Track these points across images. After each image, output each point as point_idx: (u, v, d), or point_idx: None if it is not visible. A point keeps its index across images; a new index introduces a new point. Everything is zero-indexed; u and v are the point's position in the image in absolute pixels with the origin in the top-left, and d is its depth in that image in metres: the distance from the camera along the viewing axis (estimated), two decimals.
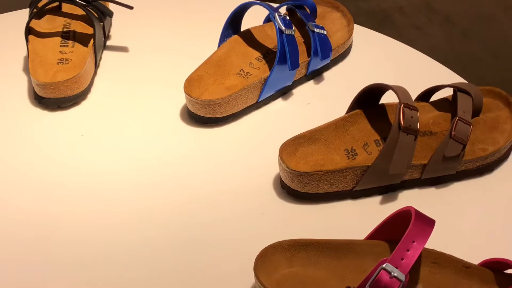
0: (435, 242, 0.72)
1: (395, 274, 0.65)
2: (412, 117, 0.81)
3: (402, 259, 0.65)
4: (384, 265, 0.65)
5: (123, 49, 1.09)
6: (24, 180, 0.88)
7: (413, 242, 0.66)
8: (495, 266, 0.72)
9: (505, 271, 0.72)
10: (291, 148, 0.86)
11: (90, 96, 1.01)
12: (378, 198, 0.86)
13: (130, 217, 0.84)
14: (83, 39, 1.02)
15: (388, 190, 0.86)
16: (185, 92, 0.94)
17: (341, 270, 0.74)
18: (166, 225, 0.84)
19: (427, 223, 0.68)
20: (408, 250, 0.66)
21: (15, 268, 0.78)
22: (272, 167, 0.88)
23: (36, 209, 0.85)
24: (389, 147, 0.81)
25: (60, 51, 1.02)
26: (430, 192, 0.86)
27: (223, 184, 0.89)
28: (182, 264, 0.79)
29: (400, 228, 0.70)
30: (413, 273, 0.72)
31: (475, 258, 0.73)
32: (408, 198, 0.84)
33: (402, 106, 0.82)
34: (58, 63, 0.99)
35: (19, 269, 0.78)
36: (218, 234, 0.83)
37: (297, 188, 0.85)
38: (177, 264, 0.79)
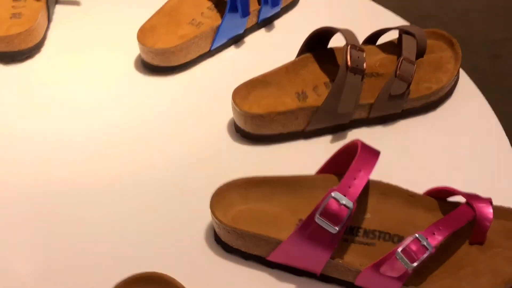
0: (382, 174, 0.76)
1: (343, 202, 0.68)
2: (358, 57, 0.84)
3: (350, 187, 0.69)
4: (332, 194, 0.68)
5: (76, 2, 1.09)
6: None
7: (360, 171, 0.69)
8: (438, 194, 0.76)
9: (448, 199, 0.76)
10: (243, 92, 0.88)
11: (44, 49, 1.02)
12: (328, 137, 0.89)
13: (87, 165, 0.86)
14: None
15: (338, 129, 0.89)
16: (139, 42, 0.95)
17: (294, 204, 0.77)
18: (122, 172, 0.86)
19: (373, 154, 0.71)
20: (355, 179, 0.69)
21: None
22: (226, 112, 0.90)
23: None
24: (337, 87, 0.84)
25: (13, 6, 1.02)
26: (377, 130, 0.90)
27: (179, 130, 0.91)
28: (140, 207, 0.82)
29: (348, 162, 0.73)
30: (362, 203, 0.76)
31: (420, 189, 0.77)
32: (357, 136, 0.87)
33: (349, 47, 0.85)
34: (11, 17, 1.00)
35: None
36: (175, 177, 0.85)
37: (250, 131, 0.88)
38: (136, 208, 0.81)
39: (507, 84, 1.94)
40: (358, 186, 0.69)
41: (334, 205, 0.68)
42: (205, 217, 0.78)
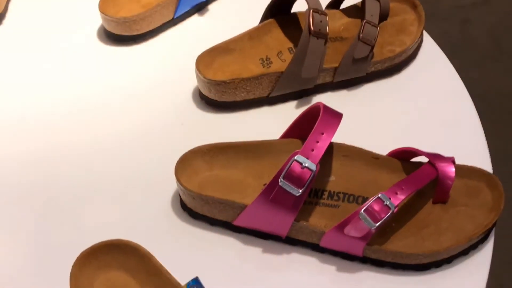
0: (347, 138, 0.76)
1: (306, 165, 0.68)
2: (321, 21, 0.84)
3: (313, 150, 0.69)
4: (295, 157, 0.68)
5: None
6: None
7: (322, 134, 0.69)
8: (402, 155, 0.77)
9: (411, 160, 0.77)
10: (207, 59, 0.88)
11: (5, 22, 1.00)
12: (293, 103, 0.89)
13: (52, 136, 0.86)
14: None
15: (302, 95, 0.89)
16: (100, 11, 0.94)
17: (259, 169, 0.77)
18: (87, 141, 0.85)
19: (335, 116, 0.71)
20: (317, 142, 0.69)
21: None
22: (190, 80, 0.90)
23: None
24: (300, 51, 0.84)
25: None
26: (342, 94, 0.90)
27: (144, 99, 0.90)
28: (105, 175, 0.81)
29: (311, 125, 0.73)
30: (326, 166, 0.76)
31: (384, 151, 0.77)
32: (322, 101, 0.87)
33: (311, 11, 0.84)
34: None
35: None
36: (140, 145, 0.85)
37: (215, 98, 0.87)
38: (101, 176, 0.81)
39: (476, 48, 1.95)
40: (320, 148, 0.69)
41: (297, 168, 0.68)
42: (171, 185, 0.78)
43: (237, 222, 0.74)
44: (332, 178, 0.76)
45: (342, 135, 0.74)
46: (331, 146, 0.76)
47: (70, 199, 0.79)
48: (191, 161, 0.77)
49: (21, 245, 0.75)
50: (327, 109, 0.72)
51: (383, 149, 0.77)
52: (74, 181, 0.81)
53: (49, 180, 0.81)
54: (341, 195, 0.75)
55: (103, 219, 0.77)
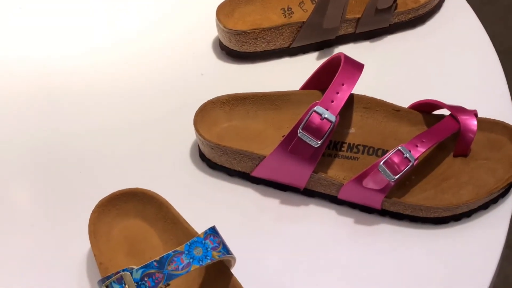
0: (368, 90, 0.75)
1: (326, 116, 0.67)
2: None
3: (332, 101, 0.68)
4: (315, 108, 0.68)
5: None
6: None
7: (342, 84, 0.69)
8: (423, 108, 0.76)
9: (433, 112, 0.76)
10: (228, 8, 0.87)
11: None
12: (314, 54, 0.88)
13: (78, 82, 0.85)
14: None
15: (324, 46, 0.88)
16: None
17: (278, 120, 0.77)
18: (108, 90, 0.85)
19: (356, 67, 0.70)
20: (337, 93, 0.68)
21: None
22: (211, 30, 0.89)
23: None
24: (322, 1, 0.82)
25: None
26: (364, 46, 0.88)
27: (164, 49, 0.90)
28: (125, 125, 0.81)
29: (332, 76, 0.72)
30: (345, 118, 0.75)
31: (405, 104, 0.76)
32: (343, 52, 0.86)
33: None
34: None
35: None
36: (160, 95, 0.84)
37: (235, 48, 0.86)
38: (121, 126, 0.81)
39: (503, 2, 1.91)
40: (340, 99, 0.68)
41: (316, 119, 0.68)
42: (190, 135, 0.78)
43: (255, 173, 0.74)
44: (352, 130, 0.75)
45: (363, 87, 0.73)
46: (352, 97, 0.75)
47: (89, 149, 0.79)
48: (210, 112, 0.77)
49: (42, 193, 0.75)
50: (348, 60, 0.71)
51: (404, 102, 0.76)
52: (93, 131, 0.81)
53: (69, 130, 0.81)
54: (360, 148, 0.74)
55: (122, 169, 0.77)
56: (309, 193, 0.74)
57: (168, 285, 0.65)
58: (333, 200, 0.73)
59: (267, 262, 0.68)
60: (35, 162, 0.78)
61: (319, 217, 0.72)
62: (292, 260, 0.69)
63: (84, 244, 0.69)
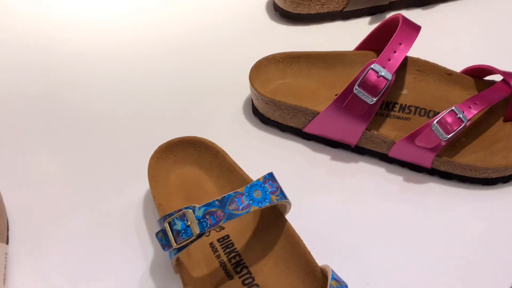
0: (420, 52, 0.76)
1: (382, 74, 0.69)
2: None
3: (389, 60, 0.69)
4: (372, 65, 0.69)
5: None
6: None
7: (400, 44, 0.70)
8: (476, 73, 0.77)
9: (485, 78, 0.77)
10: None
11: None
12: (367, 19, 0.89)
13: (129, 46, 0.88)
14: None
15: (376, 11, 0.89)
16: None
17: (331, 79, 0.79)
18: (167, 49, 0.87)
19: (414, 28, 0.72)
20: (395, 52, 0.70)
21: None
22: None
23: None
24: None
25: None
26: (416, 13, 0.90)
27: (218, 10, 0.91)
28: (183, 77, 0.83)
29: (387, 38, 0.74)
30: (399, 79, 0.77)
31: (457, 69, 0.77)
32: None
33: None
34: None
35: None
36: (214, 52, 0.86)
37: (289, 9, 0.88)
38: (179, 81, 0.83)
39: None
40: (397, 58, 0.70)
41: (372, 77, 0.69)
42: (243, 91, 0.80)
43: (307, 129, 0.76)
44: (404, 91, 0.77)
45: (417, 50, 0.74)
46: (405, 59, 0.76)
47: (150, 99, 0.82)
48: (264, 69, 0.78)
49: (105, 140, 0.78)
50: (406, 20, 0.72)
51: (457, 66, 0.77)
52: (154, 84, 0.83)
53: (135, 79, 0.84)
54: (412, 108, 0.76)
55: (180, 118, 0.79)
56: (360, 150, 0.75)
57: (223, 228, 0.67)
58: (383, 158, 0.75)
59: (317, 214, 0.70)
60: (102, 113, 0.80)
61: (368, 174, 0.74)
62: (341, 214, 0.70)
63: (141, 189, 0.71)
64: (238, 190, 0.59)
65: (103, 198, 0.72)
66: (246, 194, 0.59)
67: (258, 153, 0.76)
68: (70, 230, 0.69)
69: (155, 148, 0.71)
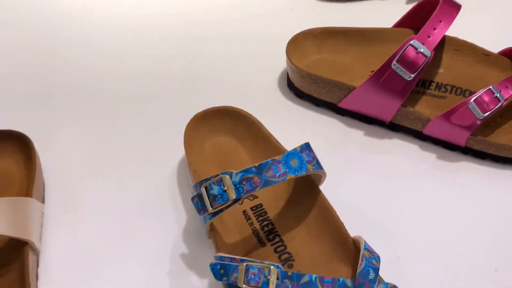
0: (459, 32, 0.76)
1: (421, 50, 0.69)
2: None
3: (429, 36, 0.70)
4: (411, 42, 0.69)
5: None
6: None
7: (440, 22, 0.70)
8: None
9: None
10: None
11: None
12: None
13: (171, 15, 0.88)
14: None
15: None
16: None
17: (368, 56, 0.79)
18: (210, 19, 0.88)
19: (454, 7, 0.72)
20: (434, 29, 0.70)
21: None
22: None
23: None
24: None
25: None
26: None
27: None
28: (220, 50, 0.84)
29: (425, 17, 0.74)
30: (436, 58, 0.77)
31: (494, 49, 0.77)
32: None
33: None
34: None
35: None
36: (254, 29, 0.87)
37: None
38: (217, 54, 0.84)
39: None
40: (437, 36, 0.70)
41: (411, 53, 0.69)
42: (279, 65, 0.80)
43: (342, 104, 0.76)
44: (441, 70, 0.77)
45: (455, 29, 0.74)
46: (443, 38, 0.76)
47: (190, 69, 0.83)
48: (301, 43, 0.79)
49: (142, 107, 0.79)
50: None
51: (495, 47, 0.77)
52: (194, 54, 0.84)
53: (174, 49, 0.85)
54: (448, 87, 0.76)
55: (215, 91, 0.80)
56: (394, 127, 0.76)
57: (256, 197, 0.68)
58: (417, 135, 0.75)
59: (349, 188, 0.71)
60: (142, 80, 0.82)
61: (402, 151, 0.74)
62: (373, 188, 0.71)
63: (176, 157, 0.72)
64: (275, 157, 0.59)
65: (138, 164, 0.73)
66: (283, 162, 0.59)
67: (292, 126, 0.77)
68: (104, 194, 0.70)
69: (191, 117, 0.72)
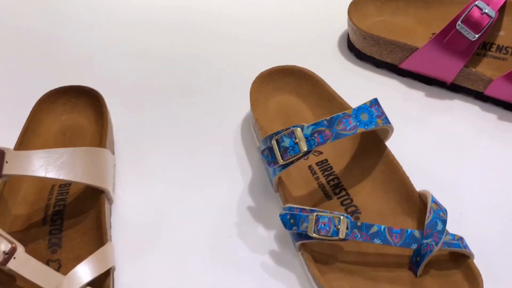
0: None
1: (486, 11, 0.70)
2: None
3: None
4: (476, 2, 0.70)
5: None
6: None
7: None
8: None
9: None
10: None
11: None
12: None
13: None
14: None
15: None
16: None
17: (428, 18, 0.80)
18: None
19: None
20: None
21: None
22: None
23: None
24: None
25: None
26: None
27: None
28: (284, 14, 0.85)
29: None
30: (497, 21, 0.77)
31: None
32: None
33: None
34: None
35: None
36: None
37: None
38: (280, 15, 0.85)
39: None
40: None
41: (476, 13, 0.70)
42: (339, 26, 0.82)
43: (404, 65, 0.77)
44: (502, 33, 0.77)
45: None
46: (505, 3, 0.77)
47: (254, 27, 0.86)
48: (362, 5, 0.80)
49: (208, 63, 0.82)
50: None
51: None
52: (259, 13, 0.87)
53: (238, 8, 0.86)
54: (509, 49, 0.76)
55: (278, 52, 0.81)
56: (455, 88, 0.77)
57: (321, 153, 0.70)
58: (478, 96, 0.76)
59: (411, 145, 0.72)
60: (208, 36, 0.83)
61: (463, 111, 0.75)
62: (435, 147, 0.72)
63: (241, 114, 0.74)
64: (346, 111, 0.61)
65: (204, 121, 0.75)
66: (354, 116, 0.61)
67: (353, 87, 0.78)
68: (170, 148, 0.73)
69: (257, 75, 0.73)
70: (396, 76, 0.79)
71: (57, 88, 0.73)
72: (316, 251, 0.61)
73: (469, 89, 0.76)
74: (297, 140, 0.60)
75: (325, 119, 0.60)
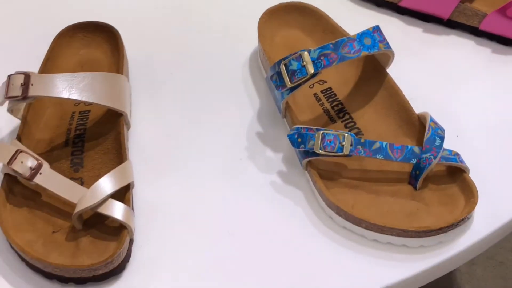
0: None
1: None
2: None
3: None
4: None
5: None
6: None
7: None
8: None
9: None
10: None
11: None
12: None
13: None
14: None
15: None
16: None
17: None
18: None
19: None
20: None
21: None
22: None
23: None
24: None
25: None
26: None
27: None
28: None
29: None
30: None
31: None
32: None
33: None
34: None
35: None
36: None
37: None
38: None
39: None
40: None
41: None
42: None
43: (403, 3, 0.81)
44: None
45: None
46: None
47: None
48: None
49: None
50: None
51: None
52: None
53: None
54: None
55: None
56: (451, 24, 0.81)
57: (325, 82, 0.74)
58: (473, 31, 0.80)
59: (409, 75, 0.75)
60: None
61: (458, 45, 0.80)
62: (433, 76, 0.77)
63: (248, 48, 0.79)
64: (351, 36, 0.65)
65: (212, 53, 0.79)
66: (358, 40, 0.65)
67: (353, 24, 0.80)
68: (182, 82, 0.77)
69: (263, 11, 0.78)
70: (396, 14, 0.83)
71: (75, 24, 0.77)
72: (322, 169, 0.66)
73: (465, 24, 0.80)
74: (305, 63, 0.64)
75: (331, 43, 0.65)
